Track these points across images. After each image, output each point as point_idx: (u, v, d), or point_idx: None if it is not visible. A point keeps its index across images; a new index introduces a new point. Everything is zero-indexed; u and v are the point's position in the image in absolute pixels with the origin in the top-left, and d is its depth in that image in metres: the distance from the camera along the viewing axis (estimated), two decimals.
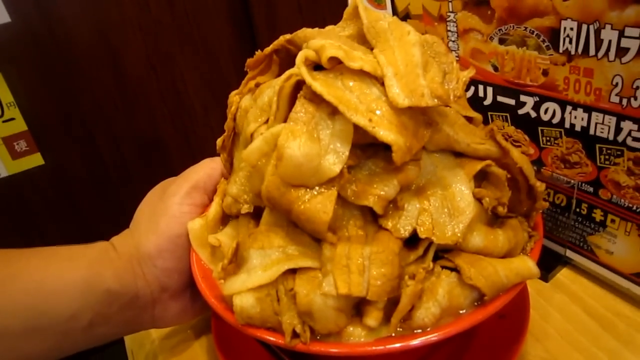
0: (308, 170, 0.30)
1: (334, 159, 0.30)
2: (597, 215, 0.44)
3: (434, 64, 0.31)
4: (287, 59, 0.38)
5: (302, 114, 0.31)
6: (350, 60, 0.30)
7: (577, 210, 0.46)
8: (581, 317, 0.45)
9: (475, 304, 0.31)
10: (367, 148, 0.32)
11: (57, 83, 1.26)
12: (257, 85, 0.39)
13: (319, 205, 0.30)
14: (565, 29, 0.38)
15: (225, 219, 0.42)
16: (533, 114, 0.45)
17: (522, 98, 0.45)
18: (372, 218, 0.33)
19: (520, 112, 0.46)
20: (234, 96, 0.38)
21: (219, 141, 0.39)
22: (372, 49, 0.34)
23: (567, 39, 0.38)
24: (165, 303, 0.42)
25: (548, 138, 0.45)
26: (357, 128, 0.30)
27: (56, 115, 1.29)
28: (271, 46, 0.36)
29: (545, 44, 0.40)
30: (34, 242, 1.32)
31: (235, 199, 0.36)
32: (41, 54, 1.22)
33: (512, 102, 0.46)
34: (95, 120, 1.34)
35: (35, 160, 1.30)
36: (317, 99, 0.31)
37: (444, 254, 0.33)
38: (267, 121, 0.35)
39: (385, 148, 0.32)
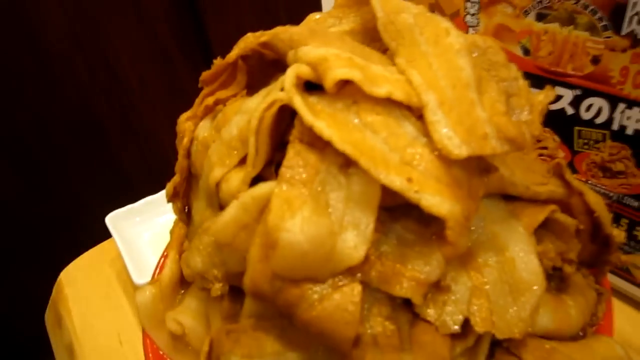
0: (317, 260, 0.19)
1: (354, 238, 0.20)
2: None
3: (490, 81, 0.21)
4: (259, 65, 0.26)
5: (301, 169, 0.20)
6: (373, 85, 0.19)
7: (614, 225, 0.39)
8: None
9: None
10: (395, 208, 0.22)
11: None
12: (217, 102, 0.27)
13: (336, 312, 0.20)
14: (635, 4, 0.29)
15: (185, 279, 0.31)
16: (570, 111, 0.36)
17: (559, 90, 0.36)
18: (401, 300, 0.23)
19: (553, 107, 0.37)
20: (184, 122, 0.27)
21: (168, 187, 0.28)
22: (385, 50, 0.24)
23: (636, 18, 0.29)
24: None
25: (586, 140, 0.36)
26: (385, 188, 0.20)
27: None
28: (236, 50, 0.25)
29: (603, 23, 0.31)
30: None
31: (202, 275, 0.26)
32: None
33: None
34: (14, 107, 1.15)
35: None
36: (319, 143, 0.20)
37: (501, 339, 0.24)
38: (239, 163, 0.24)
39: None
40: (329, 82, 0.20)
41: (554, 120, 0.38)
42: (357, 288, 0.20)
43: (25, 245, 1.21)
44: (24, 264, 1.17)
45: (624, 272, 0.40)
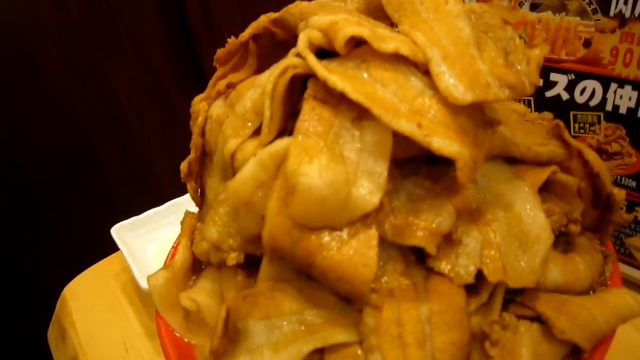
0: (334, 206, 0.20)
1: (369, 185, 0.21)
2: None
3: (488, 41, 0.22)
4: (270, 47, 0.28)
5: (315, 122, 0.21)
6: (380, 41, 0.21)
7: None
8: (628, 332, 0.39)
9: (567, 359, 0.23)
10: (404, 164, 0.23)
11: None
12: (230, 86, 0.29)
13: (355, 255, 0.20)
14: None
15: (197, 264, 0.32)
16: (565, 96, 0.38)
17: (553, 77, 0.38)
18: (415, 257, 0.24)
19: (549, 94, 0.39)
20: (199, 103, 0.28)
21: (183, 165, 0.28)
22: (392, 25, 0.25)
23: None
24: None
25: (582, 124, 0.38)
26: (396, 138, 0.21)
27: None
28: (249, 29, 0.26)
29: (592, 6, 0.33)
30: None
31: (217, 246, 0.26)
32: None
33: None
34: (13, 139, 1.16)
35: None
36: (332, 100, 0.21)
37: (513, 295, 0.24)
38: (253, 134, 0.25)
39: (428, 161, 0.24)
40: (339, 41, 0.21)
41: (551, 106, 0.40)
42: (374, 235, 0.21)
43: (24, 273, 1.20)
44: (24, 288, 1.15)
45: (627, 257, 0.41)
